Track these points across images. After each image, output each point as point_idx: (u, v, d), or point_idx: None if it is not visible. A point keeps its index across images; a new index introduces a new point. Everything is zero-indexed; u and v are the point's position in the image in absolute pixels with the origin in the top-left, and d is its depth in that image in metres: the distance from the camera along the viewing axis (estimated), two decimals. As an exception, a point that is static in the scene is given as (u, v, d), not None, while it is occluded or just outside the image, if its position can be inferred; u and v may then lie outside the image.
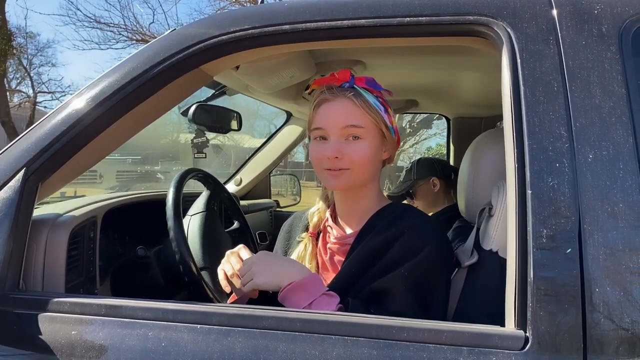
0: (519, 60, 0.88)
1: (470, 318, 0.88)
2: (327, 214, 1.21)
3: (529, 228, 0.79)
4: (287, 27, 0.99)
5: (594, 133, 0.82)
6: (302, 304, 0.98)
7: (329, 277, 1.13)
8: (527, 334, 0.76)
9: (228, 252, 1.13)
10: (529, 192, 0.80)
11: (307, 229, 1.24)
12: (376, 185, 1.16)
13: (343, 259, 1.12)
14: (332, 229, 1.19)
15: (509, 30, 0.90)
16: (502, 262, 0.93)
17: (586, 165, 0.80)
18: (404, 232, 1.04)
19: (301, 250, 1.19)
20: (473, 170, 1.17)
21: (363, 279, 1.04)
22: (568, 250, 0.77)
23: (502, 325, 0.81)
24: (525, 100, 0.85)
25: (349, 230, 1.16)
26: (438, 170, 2.22)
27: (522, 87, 0.86)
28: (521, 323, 0.77)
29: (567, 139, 0.82)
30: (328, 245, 1.18)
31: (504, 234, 0.93)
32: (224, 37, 1.01)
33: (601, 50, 0.86)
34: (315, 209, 1.25)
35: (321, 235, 1.21)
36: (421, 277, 1.00)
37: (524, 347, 0.75)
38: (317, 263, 1.19)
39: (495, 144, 1.15)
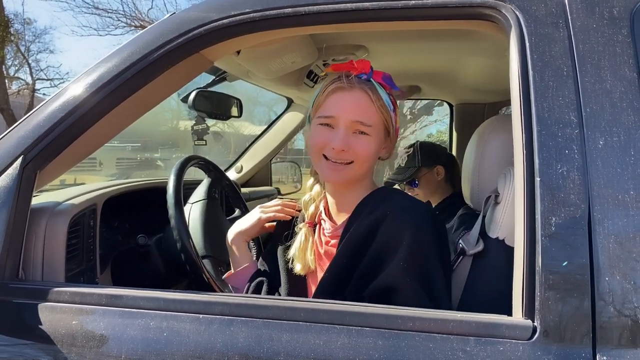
0: (527, 44, 0.85)
1: (476, 307, 0.87)
2: (321, 207, 1.20)
3: (537, 216, 0.77)
4: (289, 10, 0.96)
5: (605, 119, 0.80)
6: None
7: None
8: (535, 324, 0.75)
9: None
10: (537, 179, 0.78)
11: (304, 218, 1.22)
12: (369, 181, 1.15)
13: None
14: (324, 222, 1.18)
15: (517, 13, 0.87)
16: (509, 251, 0.92)
17: (596, 152, 0.78)
18: (386, 216, 1.02)
19: (302, 241, 1.18)
20: (479, 156, 1.15)
21: (358, 270, 1.02)
22: (577, 239, 0.75)
23: (510, 314, 0.79)
24: (534, 85, 0.83)
25: (339, 222, 1.15)
26: (442, 158, 2.18)
27: (530, 72, 0.84)
28: (529, 312, 0.76)
29: (577, 125, 0.80)
30: (323, 238, 1.17)
31: (510, 222, 0.91)
32: (224, 20, 0.98)
33: (612, 33, 0.84)
34: (308, 197, 1.23)
35: (317, 226, 1.20)
36: (419, 263, 0.98)
37: (531, 337, 0.74)
38: (315, 255, 1.17)
39: (501, 130, 1.13)
